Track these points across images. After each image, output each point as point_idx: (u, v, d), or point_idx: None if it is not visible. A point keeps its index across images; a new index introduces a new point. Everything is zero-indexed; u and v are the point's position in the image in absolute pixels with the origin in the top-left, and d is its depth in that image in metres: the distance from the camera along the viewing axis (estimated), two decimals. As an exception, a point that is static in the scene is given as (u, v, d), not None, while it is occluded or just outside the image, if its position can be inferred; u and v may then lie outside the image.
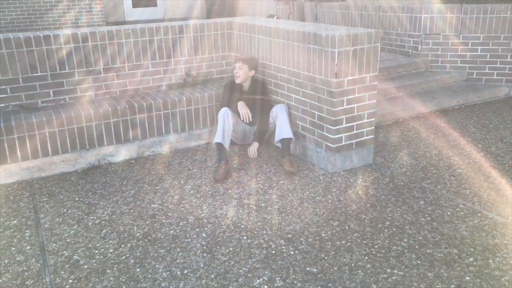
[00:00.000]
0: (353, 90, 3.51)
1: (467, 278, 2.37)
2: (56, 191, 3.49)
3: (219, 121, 3.75)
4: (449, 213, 3.01)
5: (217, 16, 10.14)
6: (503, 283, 2.32)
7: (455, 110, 5.15)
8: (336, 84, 3.42)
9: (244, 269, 2.51)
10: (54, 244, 2.79)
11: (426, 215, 2.98)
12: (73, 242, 2.82)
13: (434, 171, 3.63)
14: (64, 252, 2.71)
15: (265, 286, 2.36)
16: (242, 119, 3.85)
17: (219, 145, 3.69)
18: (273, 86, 4.12)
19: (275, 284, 2.38)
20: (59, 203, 3.30)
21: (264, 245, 2.72)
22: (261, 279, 2.42)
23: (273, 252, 2.65)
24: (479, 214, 2.98)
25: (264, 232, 2.86)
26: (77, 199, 3.36)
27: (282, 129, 3.74)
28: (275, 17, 8.30)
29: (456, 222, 2.90)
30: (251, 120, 3.84)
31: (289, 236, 2.81)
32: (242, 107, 3.85)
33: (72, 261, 2.62)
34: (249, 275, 2.46)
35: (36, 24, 9.28)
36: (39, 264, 2.60)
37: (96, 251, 2.71)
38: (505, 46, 5.43)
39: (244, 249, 2.69)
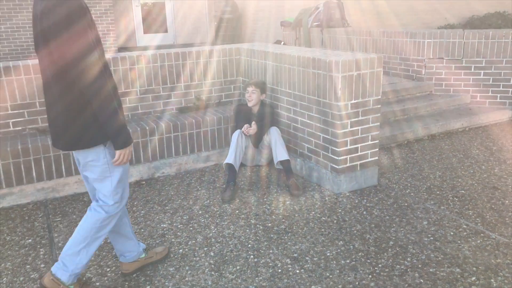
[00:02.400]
0: (357, 113, 3.62)
1: (469, 296, 2.42)
2: (70, 211, 3.60)
3: (232, 143, 3.87)
4: (452, 233, 3.07)
5: (226, 42, 10.40)
6: (505, 301, 2.37)
7: (459, 132, 5.24)
8: (341, 107, 3.54)
9: (250, 287, 2.58)
10: (68, 262, 2.88)
11: (429, 235, 3.05)
12: (85, 260, 2.91)
13: (438, 192, 3.70)
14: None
15: (271, 303, 2.43)
16: (242, 129, 3.92)
17: (230, 166, 3.80)
18: (279, 109, 4.25)
19: (281, 302, 2.44)
20: (72, 223, 3.40)
21: (270, 264, 2.79)
22: (267, 297, 2.49)
23: (279, 270, 2.73)
24: (482, 234, 3.03)
25: (271, 251, 2.93)
26: (89, 219, 3.46)
27: (277, 153, 3.86)
28: (282, 42, 8.51)
29: (459, 242, 2.96)
30: (250, 132, 3.92)
31: (295, 255, 2.88)
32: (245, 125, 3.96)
33: (85, 279, 2.71)
34: (256, 292, 2.53)
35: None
36: (53, 281, 2.68)
37: (108, 269, 2.80)
38: (507, 70, 5.54)
39: (251, 267, 2.77)
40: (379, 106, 3.72)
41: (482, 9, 10.53)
